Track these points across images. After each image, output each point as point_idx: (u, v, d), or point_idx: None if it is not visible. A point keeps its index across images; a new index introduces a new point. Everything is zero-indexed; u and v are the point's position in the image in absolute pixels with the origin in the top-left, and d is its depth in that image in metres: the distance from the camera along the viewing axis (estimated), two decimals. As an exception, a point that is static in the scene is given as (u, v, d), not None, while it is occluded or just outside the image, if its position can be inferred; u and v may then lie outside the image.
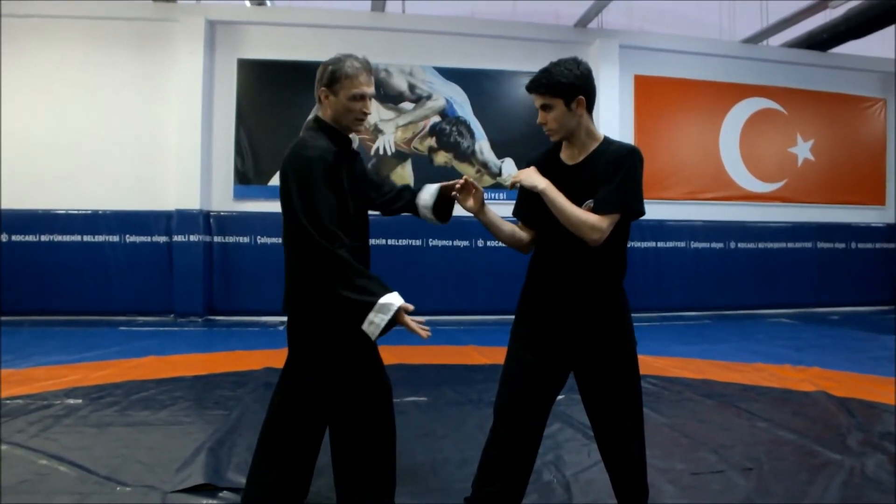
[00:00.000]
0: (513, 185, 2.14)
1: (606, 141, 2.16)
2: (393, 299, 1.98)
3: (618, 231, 2.11)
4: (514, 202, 2.36)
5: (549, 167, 2.17)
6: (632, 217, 2.13)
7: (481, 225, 2.27)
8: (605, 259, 2.10)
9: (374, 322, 1.97)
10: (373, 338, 2.00)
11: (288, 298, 2.23)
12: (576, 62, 2.07)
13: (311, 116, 2.33)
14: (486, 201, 2.28)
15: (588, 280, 2.13)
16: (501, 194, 9.02)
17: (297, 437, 2.27)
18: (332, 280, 2.00)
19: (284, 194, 2.10)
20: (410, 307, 2.00)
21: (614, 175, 2.05)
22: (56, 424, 3.57)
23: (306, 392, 2.27)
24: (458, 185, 2.18)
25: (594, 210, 2.04)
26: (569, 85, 2.04)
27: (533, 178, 2.07)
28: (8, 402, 3.99)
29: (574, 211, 2.03)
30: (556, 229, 2.10)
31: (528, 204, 2.23)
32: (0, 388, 4.26)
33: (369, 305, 1.97)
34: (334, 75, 2.15)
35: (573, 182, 2.10)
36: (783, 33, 10.20)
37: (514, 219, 2.34)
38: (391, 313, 1.96)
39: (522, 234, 2.30)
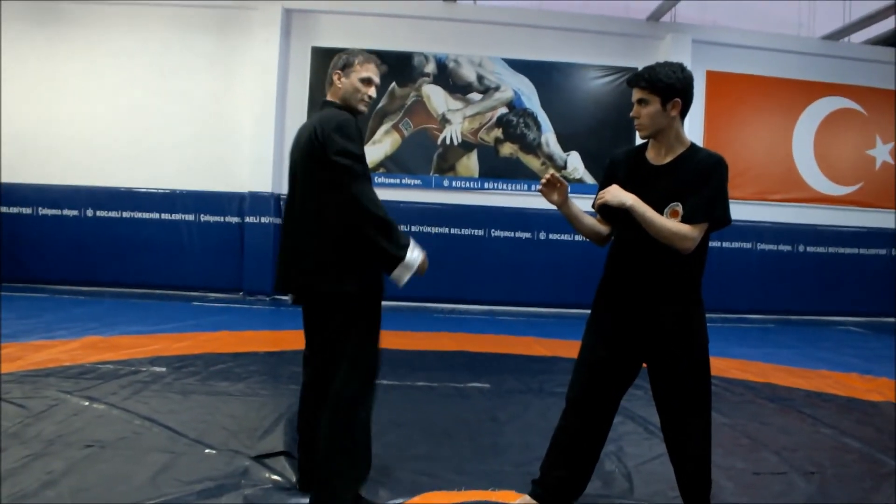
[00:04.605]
0: (598, 206, 2.23)
1: (693, 147, 2.21)
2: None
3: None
4: (577, 196, 2.44)
5: (635, 165, 2.25)
6: (719, 226, 2.19)
7: (563, 218, 2.40)
8: (682, 259, 2.15)
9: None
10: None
11: (328, 271, 2.30)
12: (681, 67, 2.14)
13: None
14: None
15: (664, 278, 2.19)
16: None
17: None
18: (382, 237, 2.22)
19: (338, 157, 2.20)
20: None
21: (704, 185, 2.11)
22: (145, 389, 3.85)
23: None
24: (543, 180, 2.29)
25: (684, 219, 2.10)
26: (668, 85, 2.11)
27: (619, 196, 2.14)
28: (100, 366, 4.33)
29: (665, 224, 2.09)
30: (634, 227, 2.16)
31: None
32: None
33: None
34: (348, 60, 2.43)
35: (657, 182, 2.17)
36: (866, 30, 9.81)
37: (592, 211, 2.43)
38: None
39: (601, 227, 2.40)
